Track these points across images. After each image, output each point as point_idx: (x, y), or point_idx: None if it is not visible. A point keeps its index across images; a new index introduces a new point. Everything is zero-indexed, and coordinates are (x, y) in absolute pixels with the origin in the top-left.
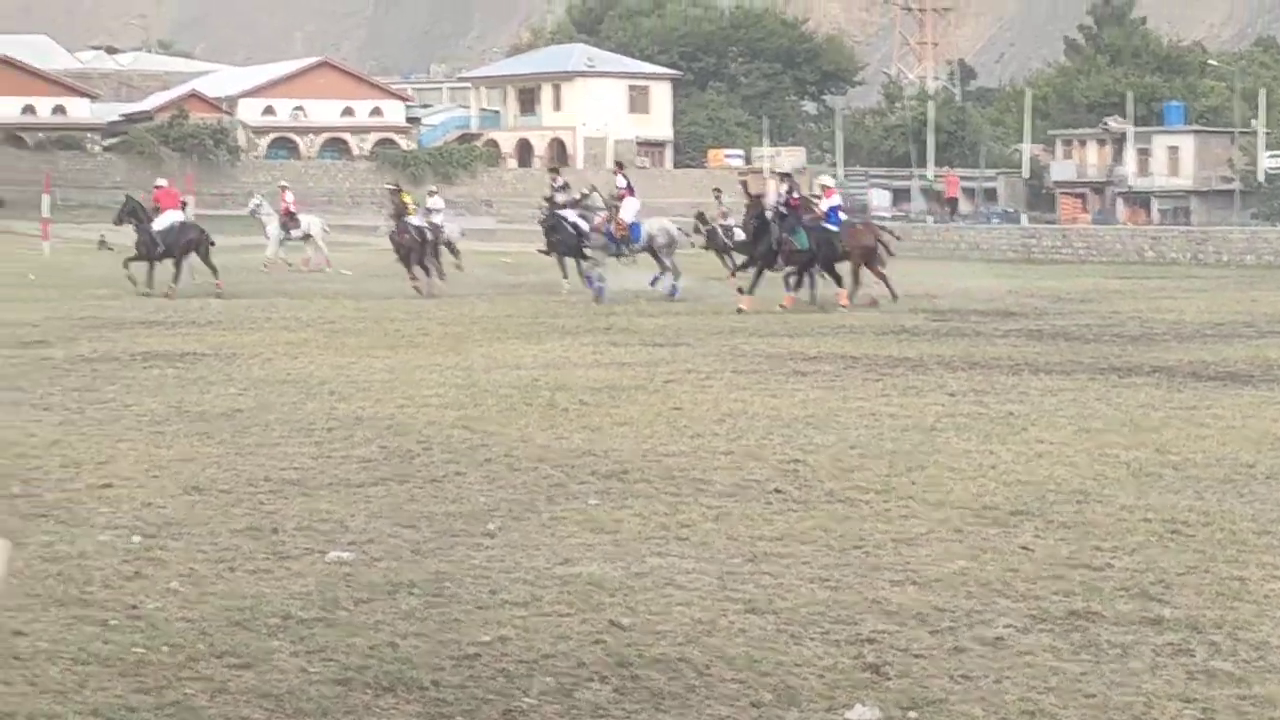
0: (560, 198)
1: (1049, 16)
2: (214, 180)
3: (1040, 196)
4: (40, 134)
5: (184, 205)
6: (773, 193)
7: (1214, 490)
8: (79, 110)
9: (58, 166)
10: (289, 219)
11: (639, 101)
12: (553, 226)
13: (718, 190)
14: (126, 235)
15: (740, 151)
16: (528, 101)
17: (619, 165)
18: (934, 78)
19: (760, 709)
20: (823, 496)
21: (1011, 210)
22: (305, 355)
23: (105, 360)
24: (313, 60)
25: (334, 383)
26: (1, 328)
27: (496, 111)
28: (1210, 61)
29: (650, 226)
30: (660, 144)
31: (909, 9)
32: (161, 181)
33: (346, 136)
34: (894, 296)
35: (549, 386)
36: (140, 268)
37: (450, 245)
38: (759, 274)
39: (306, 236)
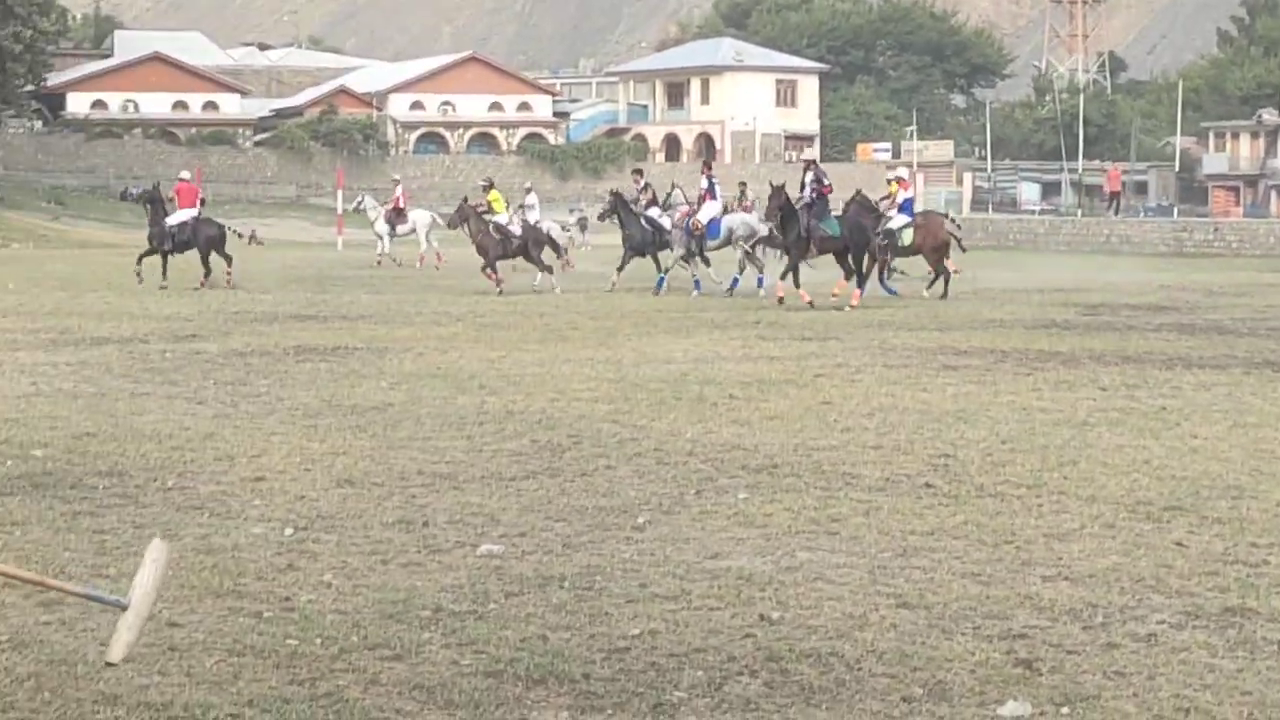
0: (643, 199)
1: (1200, 7)
2: (363, 175)
3: (1192, 190)
4: (192, 129)
5: (202, 202)
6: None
7: None
8: (230, 106)
9: (209, 162)
10: (396, 214)
11: (786, 95)
12: (624, 222)
13: (742, 184)
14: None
15: (888, 145)
16: (675, 96)
17: (707, 165)
18: (1084, 70)
19: (911, 704)
20: (973, 491)
21: (1164, 204)
22: (456, 349)
23: (258, 354)
24: (461, 55)
25: (485, 377)
26: (156, 322)
27: (644, 106)
28: None
29: (730, 221)
30: (807, 138)
31: (1059, 1)
32: (185, 175)
33: (494, 131)
34: (945, 295)
35: (698, 381)
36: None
37: (552, 242)
38: (792, 264)
39: (413, 231)
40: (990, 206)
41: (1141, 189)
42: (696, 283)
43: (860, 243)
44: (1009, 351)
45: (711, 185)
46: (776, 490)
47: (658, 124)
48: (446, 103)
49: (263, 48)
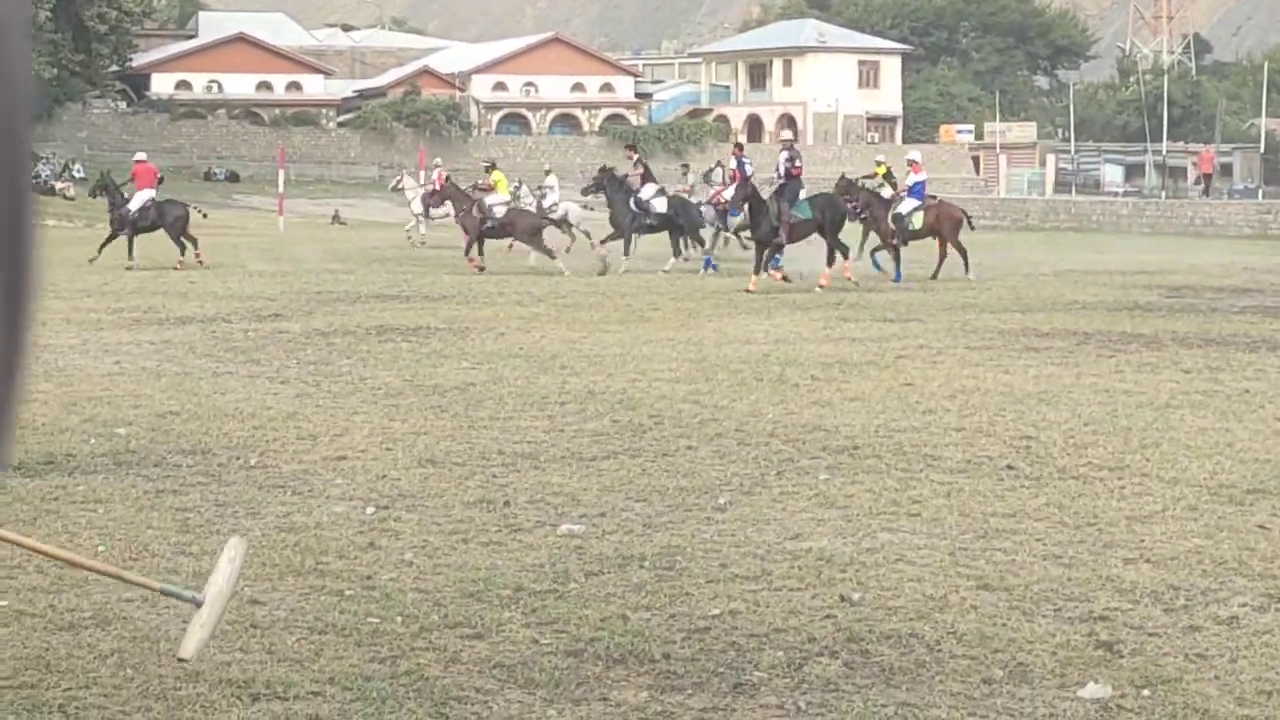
0: (634, 177)
1: None
2: (445, 156)
3: (1277, 172)
4: (276, 110)
5: (159, 181)
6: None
7: None
8: (313, 87)
9: (292, 142)
10: (431, 197)
11: (869, 76)
12: (610, 200)
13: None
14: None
15: (971, 127)
16: (758, 77)
17: (738, 147)
18: (1168, 51)
19: (991, 686)
20: (1055, 473)
21: (1249, 186)
22: (538, 329)
23: (340, 334)
24: (544, 36)
25: (566, 357)
26: (239, 301)
27: (727, 87)
28: None
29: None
30: (890, 119)
31: None
32: (141, 156)
33: (577, 112)
34: (936, 274)
35: (779, 361)
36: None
37: (563, 224)
38: (761, 252)
39: (446, 215)
40: (1073, 188)
41: (1226, 171)
42: (707, 261)
43: (835, 221)
44: (1091, 333)
45: (741, 165)
46: (858, 471)
47: (740, 105)
48: (529, 84)
49: (346, 29)
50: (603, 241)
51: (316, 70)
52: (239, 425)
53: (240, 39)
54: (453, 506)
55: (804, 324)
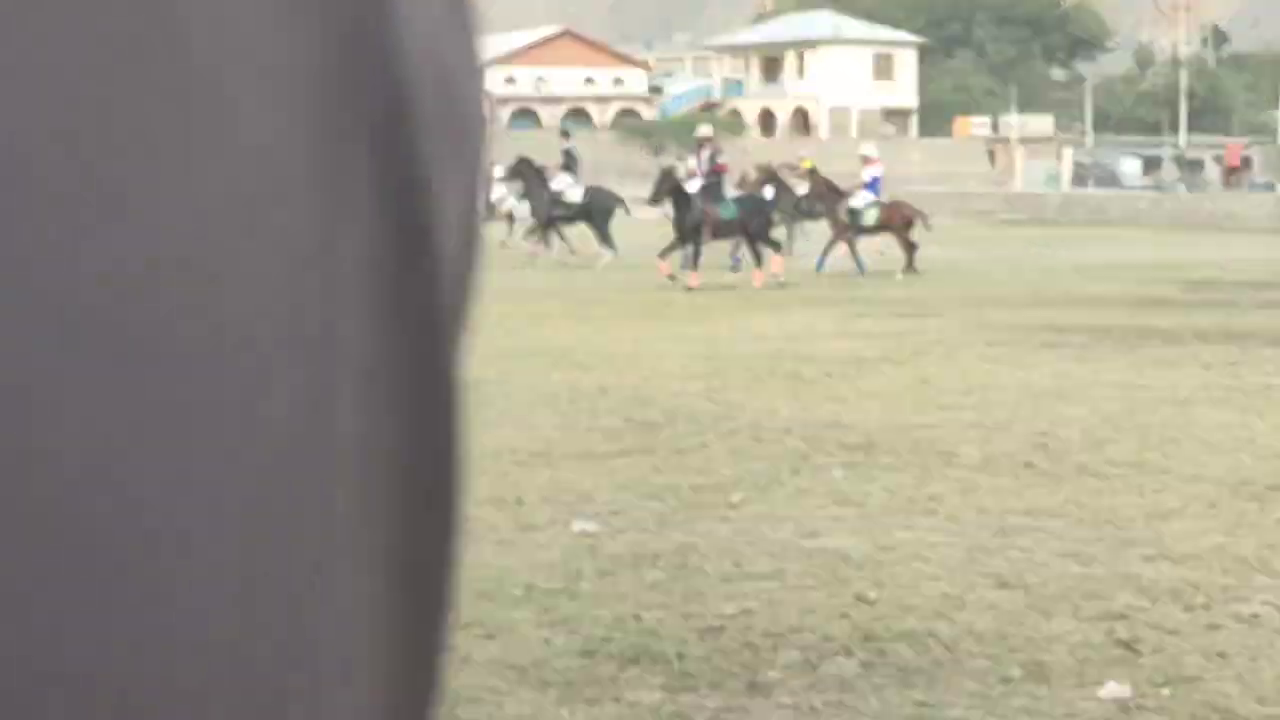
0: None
1: None
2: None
3: None
4: None
5: None
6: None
7: None
8: None
9: None
10: None
11: (884, 69)
12: (528, 191)
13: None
14: None
15: (987, 119)
16: (771, 70)
17: (704, 142)
18: (1186, 43)
19: (1009, 685)
20: (1073, 470)
21: (1269, 180)
22: (550, 325)
23: None
24: (554, 29)
25: (578, 353)
26: None
27: (739, 80)
28: None
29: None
30: (905, 112)
31: None
32: None
33: (588, 106)
34: (907, 269)
35: (794, 358)
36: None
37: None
38: (686, 248)
39: None
40: (1091, 181)
41: (1245, 164)
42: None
43: (760, 224)
44: (1110, 328)
45: (712, 158)
46: (874, 468)
47: (753, 98)
48: (540, 78)
49: None
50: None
51: None
52: None
53: None
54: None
55: (818, 320)
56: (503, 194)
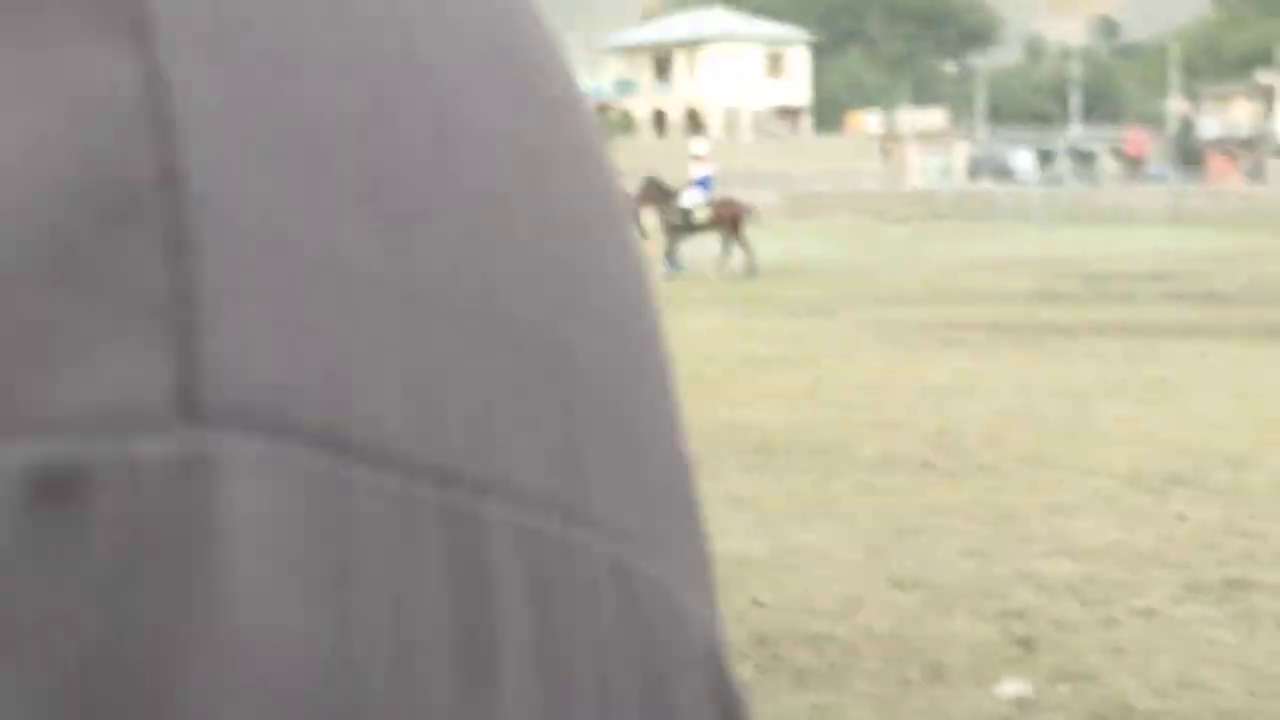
0: None
1: None
2: None
3: (1189, 155)
4: None
5: None
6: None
7: None
8: None
9: None
10: None
11: (776, 66)
12: None
13: None
14: None
15: (880, 115)
16: (663, 69)
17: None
18: (1077, 35)
19: (907, 686)
20: (972, 468)
21: (1161, 170)
22: None
23: None
24: None
25: None
26: None
27: (632, 80)
28: None
29: None
30: (798, 110)
31: None
32: None
33: None
34: (750, 268)
35: (689, 359)
36: None
37: None
38: None
39: None
40: (985, 175)
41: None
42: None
43: None
44: (1007, 324)
45: None
46: (771, 470)
47: (645, 98)
48: None
49: None
50: None
51: None
52: None
53: None
54: None
55: (714, 321)
56: None
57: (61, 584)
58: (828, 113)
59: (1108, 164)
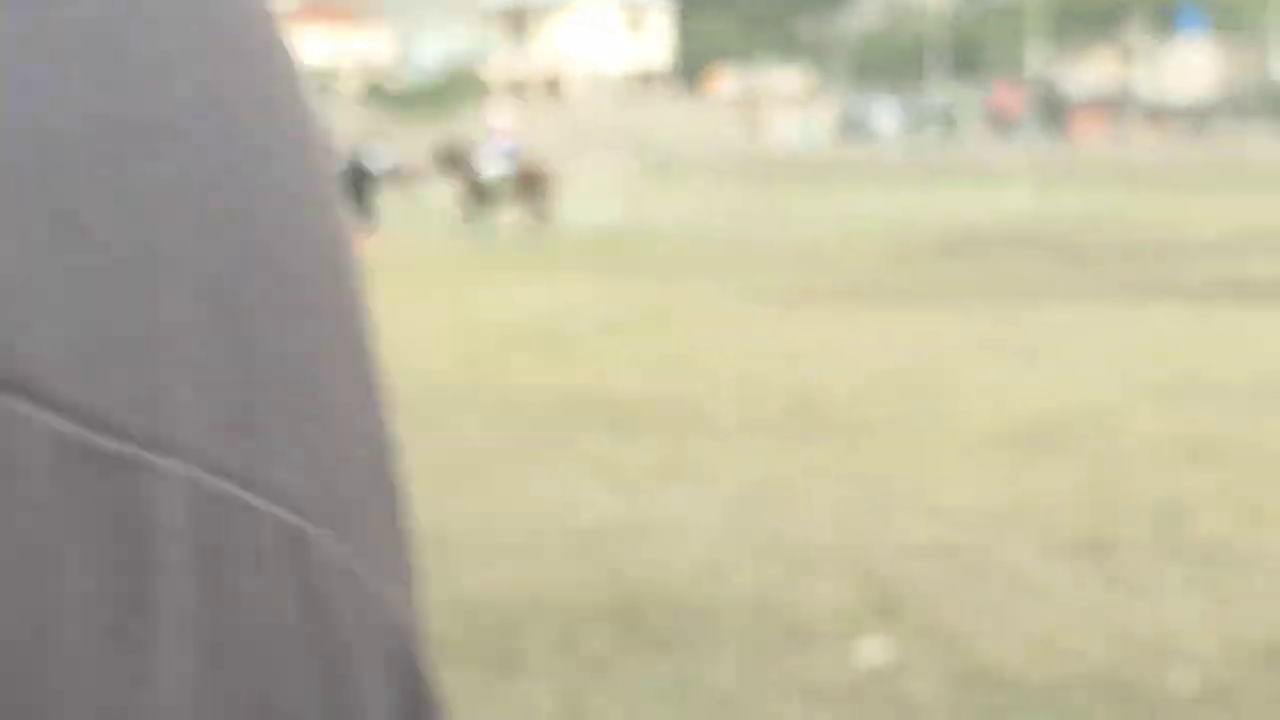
0: None
1: None
2: None
3: (1053, 112)
4: None
5: None
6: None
7: (1240, 410)
8: None
9: None
10: None
11: (634, 27)
12: None
13: None
14: None
15: (741, 76)
16: (519, 33)
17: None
18: None
19: (770, 650)
20: (836, 430)
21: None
22: None
23: None
24: (296, 4)
25: None
26: None
27: (489, 45)
28: None
29: None
30: (659, 73)
31: None
32: None
33: (333, 79)
34: (536, 229)
35: (552, 324)
36: None
37: None
38: None
39: None
40: (848, 134)
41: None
42: None
43: (359, 187)
44: (870, 286)
45: None
46: (634, 436)
47: (502, 63)
48: None
49: None
50: None
51: None
52: None
53: None
54: None
55: (581, 286)
56: None
57: None
58: (689, 74)
59: (970, 120)
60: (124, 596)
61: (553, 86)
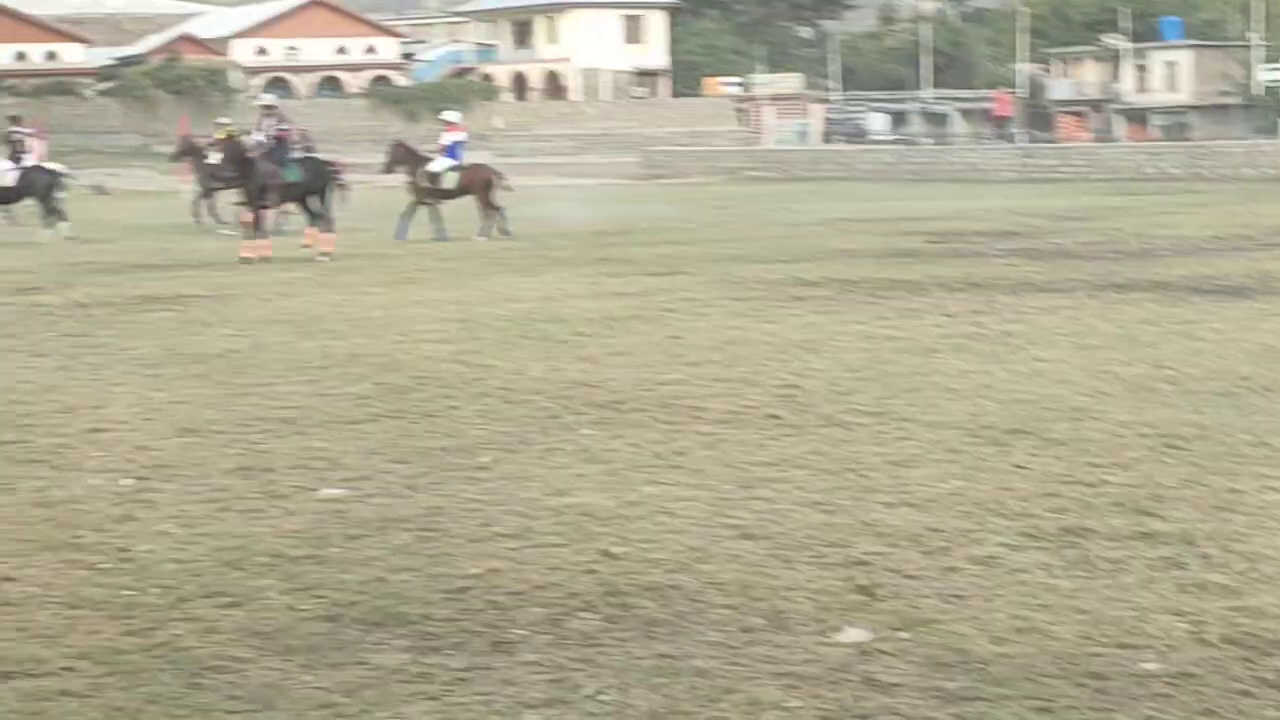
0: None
1: None
2: (209, 122)
3: (1038, 116)
4: (33, 80)
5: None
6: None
7: (1210, 404)
8: (72, 55)
9: (52, 113)
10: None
11: (634, 31)
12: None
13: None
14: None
15: (738, 79)
16: (523, 34)
17: (268, 109)
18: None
19: (751, 634)
20: (818, 420)
21: (1012, 130)
22: (301, 294)
23: (100, 305)
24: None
25: (329, 320)
26: None
27: (493, 45)
28: None
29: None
30: (657, 73)
31: None
32: None
33: (341, 75)
34: (505, 232)
35: (545, 318)
36: None
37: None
38: (256, 215)
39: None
40: (840, 137)
41: (989, 117)
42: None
43: (322, 185)
44: (856, 281)
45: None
46: (622, 426)
47: (506, 63)
48: (292, 47)
49: None
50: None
51: (74, 39)
52: None
53: None
54: (211, 475)
55: (570, 280)
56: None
57: None
58: (686, 77)
59: (958, 125)
60: None
61: (554, 85)
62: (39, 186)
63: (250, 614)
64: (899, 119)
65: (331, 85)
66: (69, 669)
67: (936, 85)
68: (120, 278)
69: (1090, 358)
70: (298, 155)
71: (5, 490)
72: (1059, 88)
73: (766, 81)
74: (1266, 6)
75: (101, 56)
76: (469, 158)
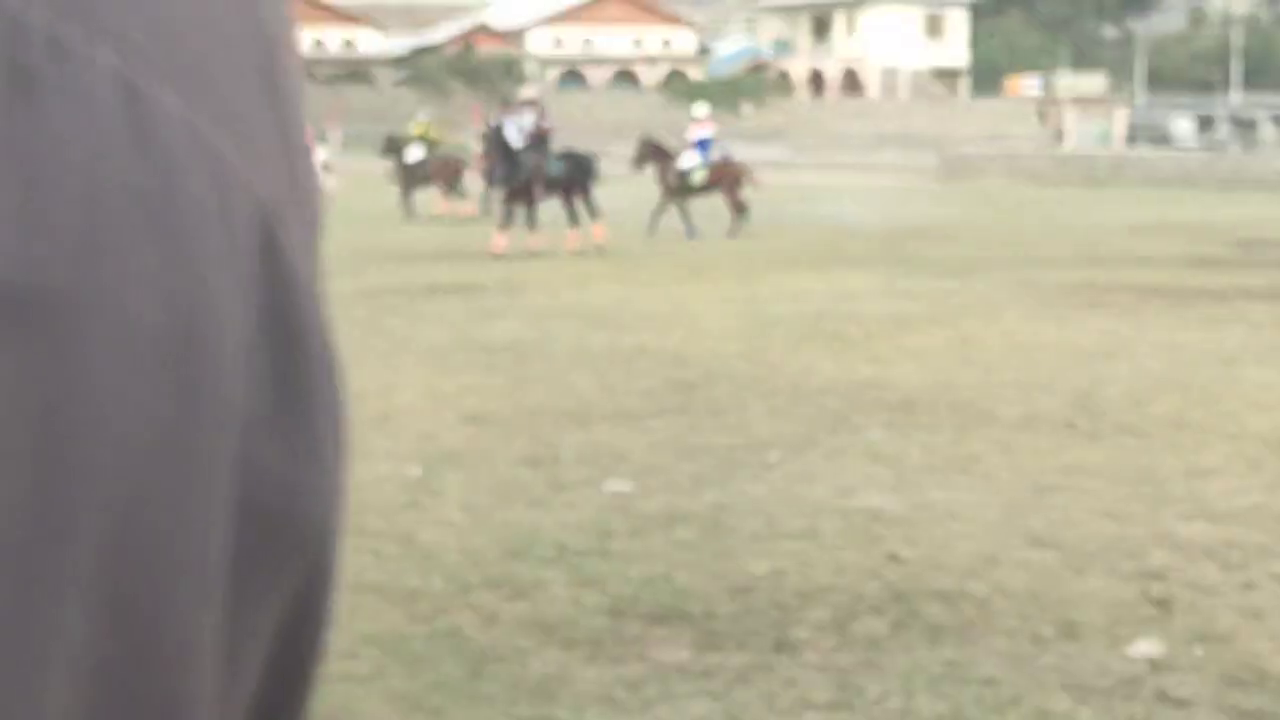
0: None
1: None
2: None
3: None
4: (329, 68)
5: None
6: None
7: None
8: (368, 43)
9: (347, 100)
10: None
11: (935, 28)
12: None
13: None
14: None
15: (1039, 79)
16: (821, 30)
17: (505, 105)
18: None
19: (1040, 643)
20: (1114, 429)
21: None
22: (591, 286)
23: (390, 292)
24: None
25: (618, 314)
26: None
27: (789, 41)
28: None
29: None
30: (956, 72)
31: None
32: None
33: (636, 67)
34: (736, 227)
35: (836, 317)
36: None
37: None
38: (509, 209)
39: None
40: (1143, 141)
41: None
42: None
43: (584, 181)
44: (1157, 288)
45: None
46: (912, 428)
47: (802, 59)
48: (587, 39)
49: None
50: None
51: (371, 26)
52: None
53: None
54: (498, 465)
55: (862, 280)
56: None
57: None
58: (985, 76)
59: (1268, 131)
60: None
61: (852, 83)
62: None
63: (533, 605)
64: (1205, 124)
65: (626, 78)
66: (352, 654)
67: (1245, 89)
68: (408, 265)
69: None
70: (557, 150)
71: None
72: None
73: (1069, 82)
74: None
75: (398, 45)
76: (718, 153)
